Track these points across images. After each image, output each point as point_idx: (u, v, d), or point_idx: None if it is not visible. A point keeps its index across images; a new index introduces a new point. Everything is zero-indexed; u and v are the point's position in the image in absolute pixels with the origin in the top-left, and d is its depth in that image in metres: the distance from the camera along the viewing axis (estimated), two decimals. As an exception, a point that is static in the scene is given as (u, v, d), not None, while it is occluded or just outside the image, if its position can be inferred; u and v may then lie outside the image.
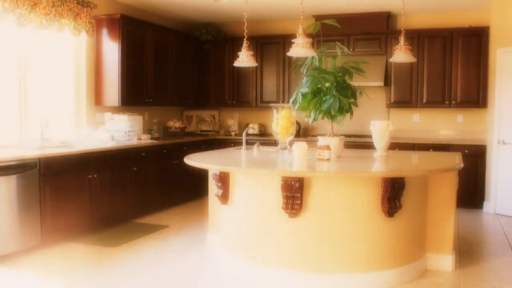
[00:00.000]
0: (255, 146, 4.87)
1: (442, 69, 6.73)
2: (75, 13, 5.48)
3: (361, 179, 3.57)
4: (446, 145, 6.45)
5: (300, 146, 3.91)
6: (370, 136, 4.49)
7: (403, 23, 4.73)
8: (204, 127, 8.07)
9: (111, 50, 5.97)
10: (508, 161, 6.05)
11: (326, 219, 3.58)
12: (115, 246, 4.63)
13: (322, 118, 4.10)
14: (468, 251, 4.57)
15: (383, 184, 3.51)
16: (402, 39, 4.45)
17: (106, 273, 3.93)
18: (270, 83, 7.57)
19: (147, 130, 6.72)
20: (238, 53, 4.67)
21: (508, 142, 6.06)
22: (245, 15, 4.82)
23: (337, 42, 4.11)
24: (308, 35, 4.03)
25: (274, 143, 6.45)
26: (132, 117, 6.12)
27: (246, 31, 4.63)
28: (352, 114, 4.08)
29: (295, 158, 3.94)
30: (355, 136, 6.99)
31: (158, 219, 5.82)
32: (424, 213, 4.01)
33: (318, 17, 6.84)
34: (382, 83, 6.69)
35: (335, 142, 4.04)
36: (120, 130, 5.88)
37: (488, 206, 6.30)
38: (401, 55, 4.47)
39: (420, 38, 6.77)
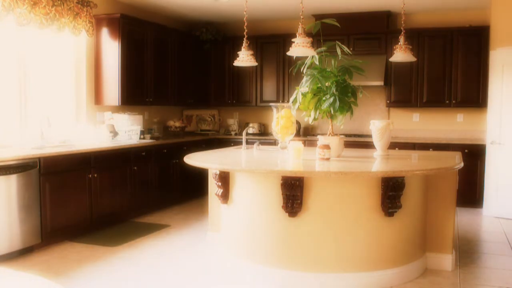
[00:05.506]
0: (255, 146, 4.87)
1: (442, 69, 6.73)
2: (75, 13, 5.48)
3: (361, 178, 3.57)
4: (446, 145, 6.45)
5: (295, 146, 3.87)
6: (370, 136, 4.49)
7: (403, 23, 4.72)
8: (204, 127, 8.07)
9: (111, 49, 5.97)
10: (508, 161, 6.04)
11: (326, 218, 3.58)
12: (115, 246, 4.63)
13: (322, 117, 4.11)
14: (468, 251, 4.57)
15: (383, 184, 3.51)
16: (402, 38, 4.44)
17: (106, 273, 3.92)
18: (270, 83, 7.57)
19: (147, 129, 6.72)
20: (238, 52, 4.68)
21: (508, 142, 6.05)
22: (245, 14, 4.82)
23: (337, 42, 4.11)
24: (308, 35, 4.03)
25: (274, 143, 6.46)
26: (132, 117, 6.12)
27: (246, 31, 4.63)
28: (352, 113, 4.08)
29: (290, 158, 3.93)
30: (355, 135, 6.99)
31: (158, 218, 5.82)
32: (424, 213, 4.01)
33: (318, 17, 6.84)
34: (382, 83, 6.68)
35: (335, 142, 4.04)
36: (120, 130, 5.88)
37: (488, 206, 6.30)
38: (401, 54, 4.47)
39: (420, 38, 6.76)
